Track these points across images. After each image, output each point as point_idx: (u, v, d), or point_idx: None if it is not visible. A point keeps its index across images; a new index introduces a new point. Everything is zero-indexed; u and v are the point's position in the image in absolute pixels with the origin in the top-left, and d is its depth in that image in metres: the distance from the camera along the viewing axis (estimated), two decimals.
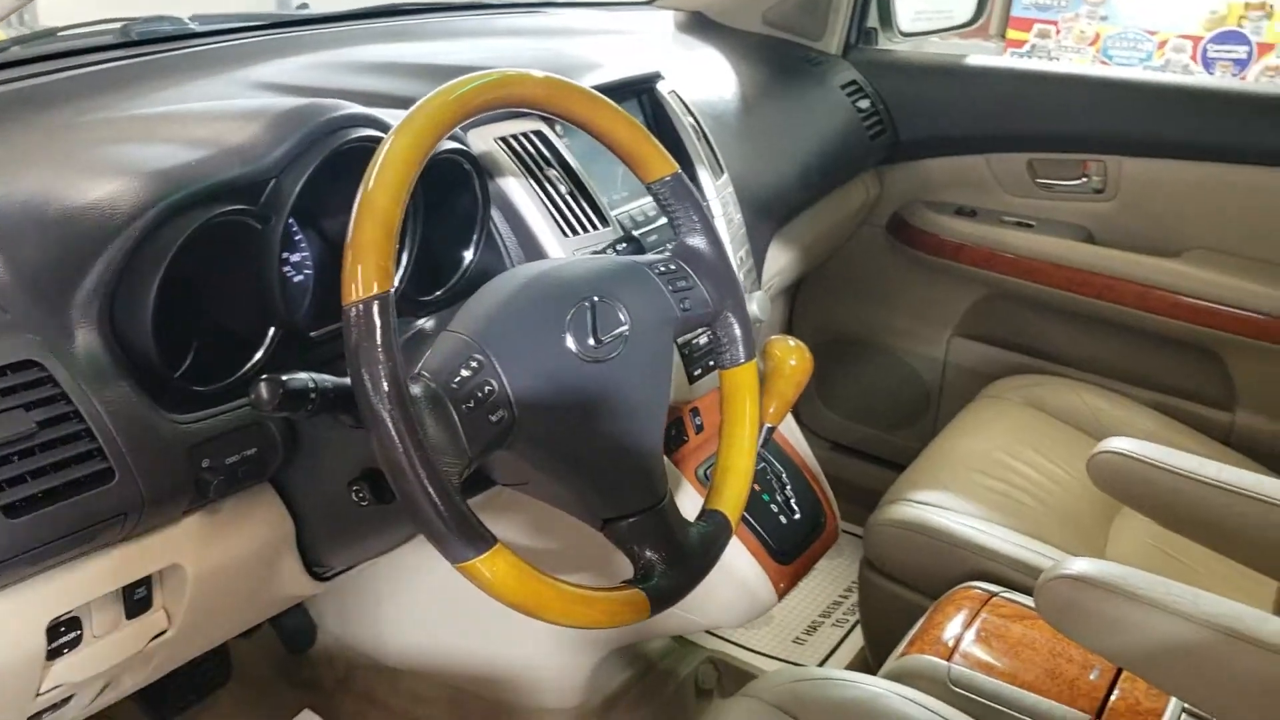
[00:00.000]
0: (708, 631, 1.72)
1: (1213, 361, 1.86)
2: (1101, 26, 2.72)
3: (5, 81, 1.07)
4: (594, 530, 0.92)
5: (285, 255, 1.01)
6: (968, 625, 1.25)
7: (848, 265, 2.23)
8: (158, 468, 0.82)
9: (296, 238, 1.02)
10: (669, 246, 1.03)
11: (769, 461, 1.34)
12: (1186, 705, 1.13)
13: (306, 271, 1.03)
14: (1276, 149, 1.77)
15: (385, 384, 0.74)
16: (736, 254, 1.40)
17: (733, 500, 0.98)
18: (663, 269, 0.99)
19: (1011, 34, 2.82)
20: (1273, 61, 2.54)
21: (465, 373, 0.83)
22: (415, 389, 0.80)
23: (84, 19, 1.24)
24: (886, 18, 2.17)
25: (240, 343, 0.92)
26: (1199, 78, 2.54)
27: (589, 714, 1.48)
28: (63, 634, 0.83)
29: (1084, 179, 1.96)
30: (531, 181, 1.13)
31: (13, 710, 0.83)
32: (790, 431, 1.41)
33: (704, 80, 1.69)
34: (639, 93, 1.39)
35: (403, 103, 0.87)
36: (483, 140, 1.11)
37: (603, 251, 1.15)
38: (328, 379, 0.77)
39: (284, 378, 0.74)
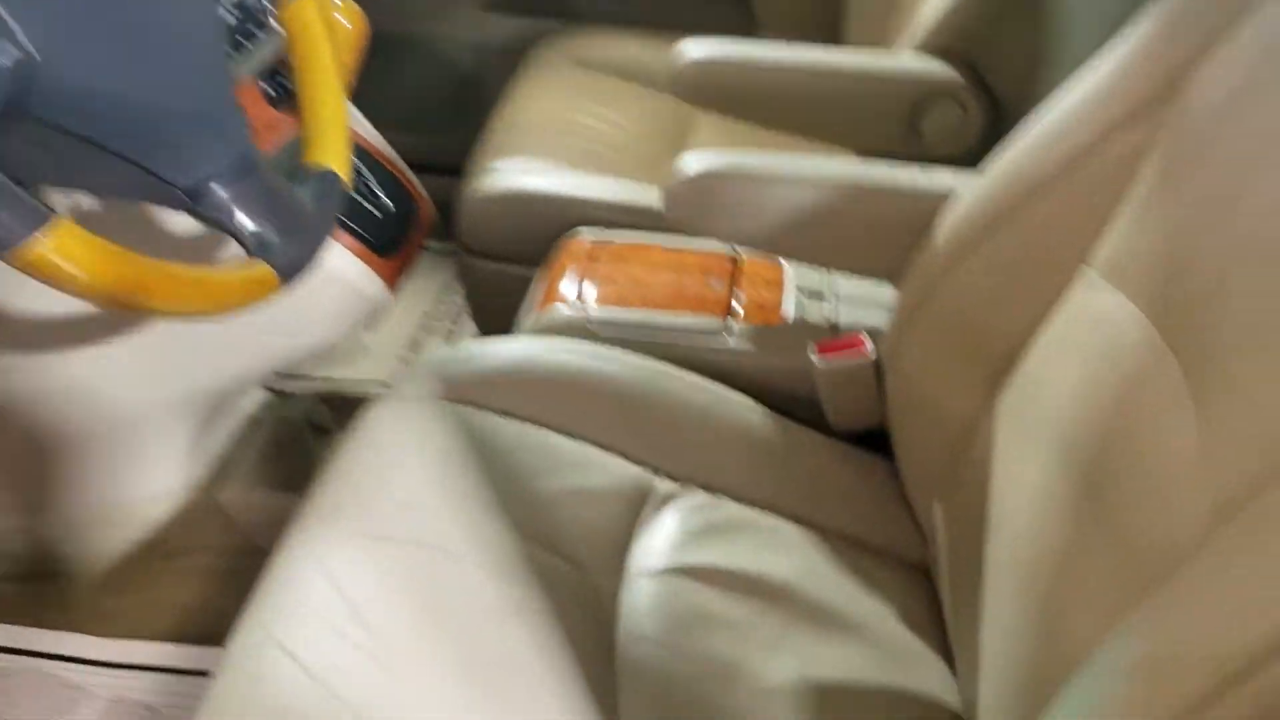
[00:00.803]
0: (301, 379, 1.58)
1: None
2: None
3: None
4: (181, 215, 0.74)
5: None
6: (587, 271, 1.22)
7: None
8: None
9: None
10: None
11: None
12: (800, 284, 1.20)
13: None
14: None
15: None
16: None
17: (336, 151, 0.84)
18: None
19: None
20: None
21: None
22: None
23: None
24: None
25: None
26: None
27: (205, 489, 1.32)
28: None
29: None
30: None
31: None
32: (354, 117, 1.25)
33: None
34: None
35: None
36: None
37: None
38: None
39: None
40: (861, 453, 1.08)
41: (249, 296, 0.72)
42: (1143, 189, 0.75)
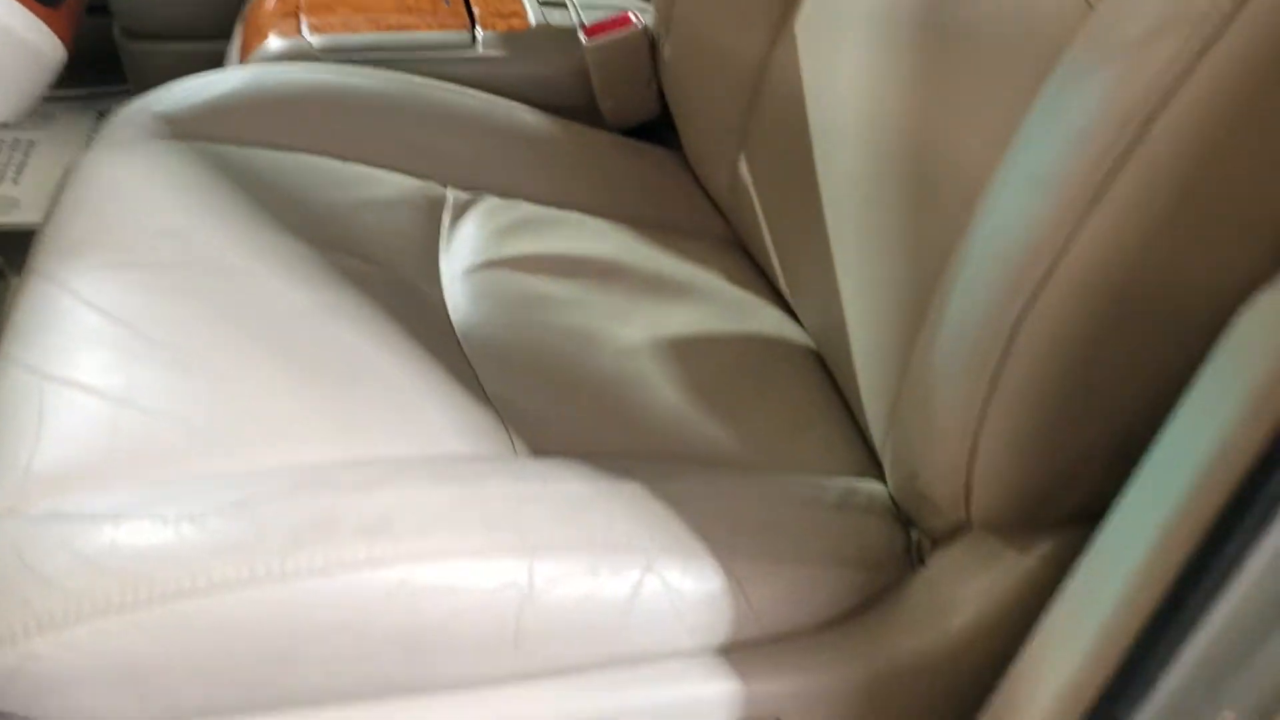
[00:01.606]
0: None
1: None
2: None
3: None
4: None
5: None
6: (292, 14, 1.06)
7: None
8: None
9: None
10: None
11: None
12: None
13: None
14: None
15: None
16: None
17: None
18: None
19: None
20: None
21: None
22: None
23: None
24: None
25: None
26: None
27: None
28: None
29: None
30: None
31: None
32: None
33: None
34: None
35: None
36: None
37: None
38: None
39: None
40: (646, 145, 1.03)
41: None
42: None
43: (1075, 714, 0.52)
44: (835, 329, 0.75)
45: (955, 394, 0.54)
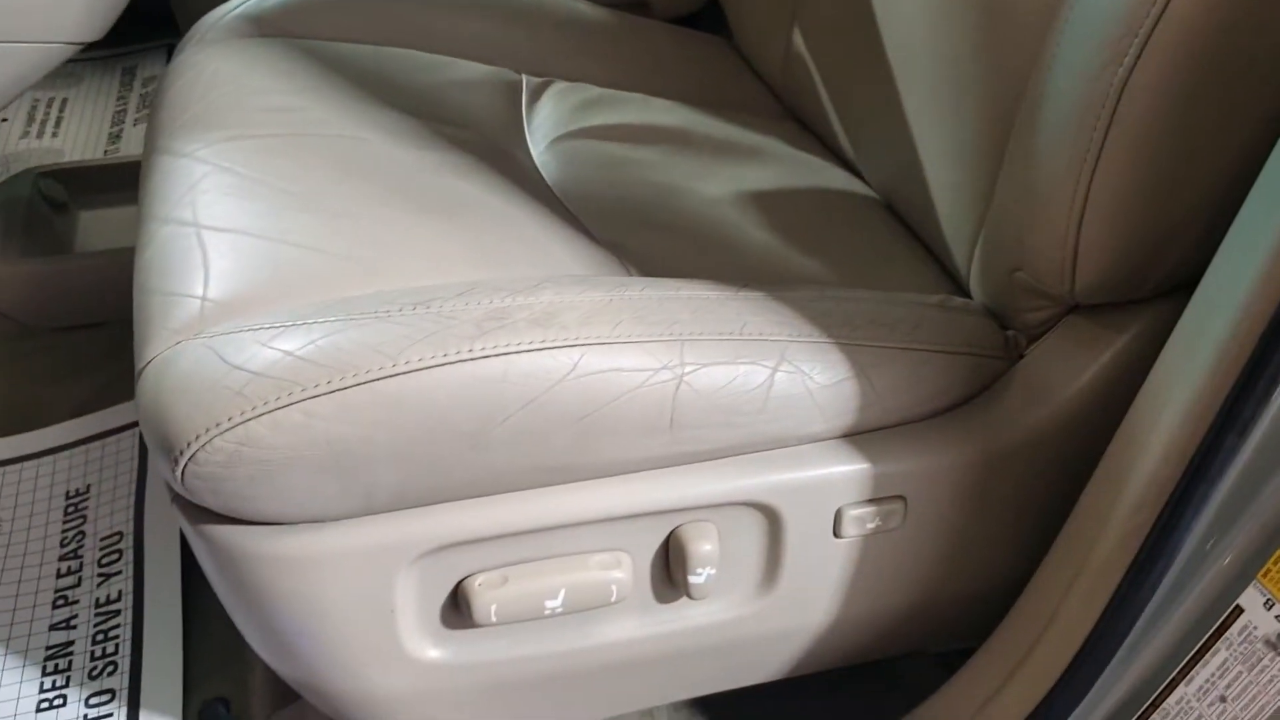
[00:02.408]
0: None
1: None
2: None
3: None
4: None
5: None
6: None
7: None
8: None
9: None
10: None
11: None
12: None
13: None
14: None
15: None
16: None
17: None
18: None
19: None
20: None
21: None
22: None
23: None
24: None
25: None
26: None
27: None
28: None
29: None
30: None
31: None
32: None
33: None
34: None
35: None
36: None
37: None
38: None
39: None
40: (694, 32, 1.08)
41: None
42: None
43: (1173, 479, 0.58)
44: (908, 174, 0.80)
45: (1061, 166, 0.59)
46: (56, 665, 0.85)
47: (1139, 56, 0.55)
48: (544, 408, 0.56)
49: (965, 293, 0.74)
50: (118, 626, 0.87)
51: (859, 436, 0.65)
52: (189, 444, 0.54)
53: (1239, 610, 0.57)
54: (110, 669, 0.84)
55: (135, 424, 1.03)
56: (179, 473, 0.55)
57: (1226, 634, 0.57)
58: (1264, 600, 0.55)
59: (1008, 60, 0.67)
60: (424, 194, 0.72)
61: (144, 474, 0.99)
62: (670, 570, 0.65)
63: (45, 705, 0.82)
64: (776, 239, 0.79)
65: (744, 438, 0.63)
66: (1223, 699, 0.58)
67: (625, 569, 0.63)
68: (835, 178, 0.91)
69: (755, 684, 0.75)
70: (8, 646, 0.86)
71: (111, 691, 0.83)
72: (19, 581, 0.91)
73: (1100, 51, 0.56)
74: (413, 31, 0.93)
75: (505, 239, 0.70)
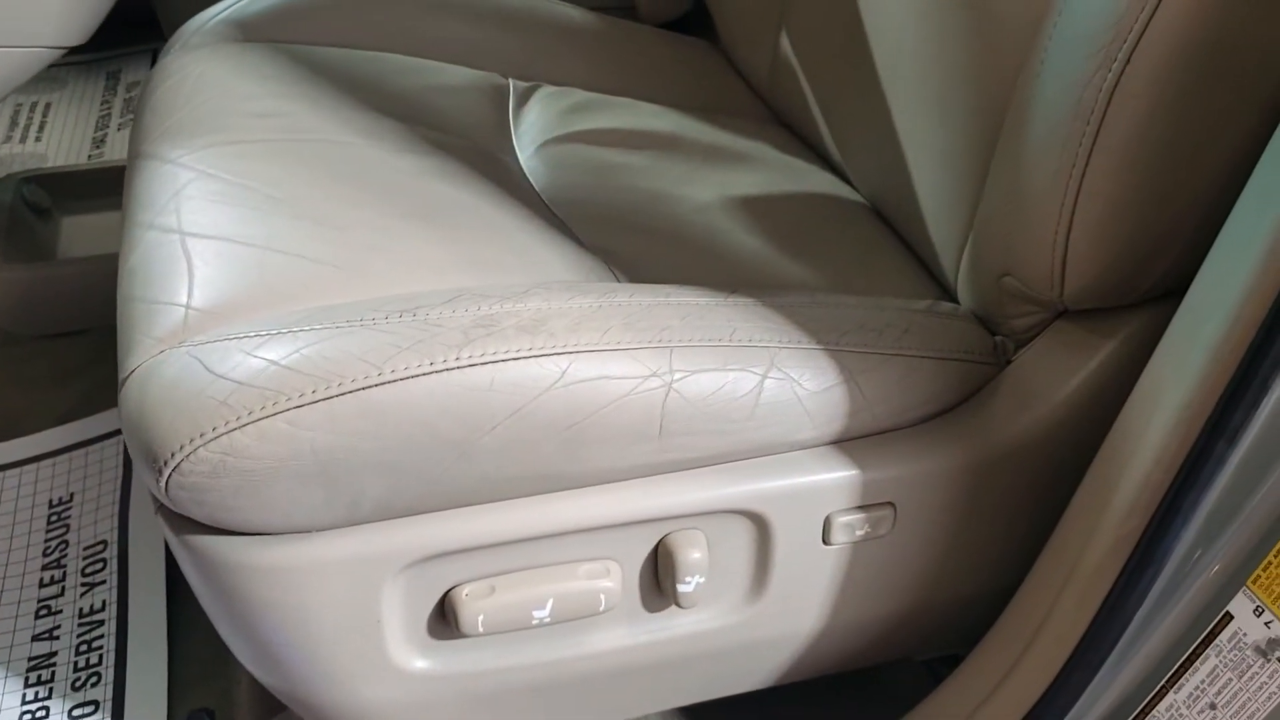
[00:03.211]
0: None
1: None
2: None
3: None
4: None
5: None
6: None
7: None
8: None
9: None
10: None
11: None
12: None
13: None
14: None
15: None
16: None
17: None
18: None
19: None
20: None
21: None
22: None
23: None
24: None
25: None
26: None
27: None
28: None
29: None
30: None
31: None
32: None
33: None
34: None
35: None
36: None
37: None
38: None
39: None
40: (681, 35, 1.07)
41: None
42: None
43: (1163, 485, 0.58)
44: (895, 178, 0.80)
45: (1049, 172, 0.59)
46: (39, 676, 0.84)
47: (1127, 62, 0.55)
48: (531, 416, 0.56)
49: (953, 298, 0.74)
50: (101, 637, 0.86)
51: (848, 443, 0.65)
52: (173, 454, 0.53)
53: (1229, 617, 0.57)
54: (94, 680, 0.84)
55: (119, 432, 1.03)
56: (163, 483, 0.54)
57: (1216, 641, 0.57)
58: (1254, 607, 0.55)
59: (995, 65, 0.67)
60: (411, 199, 0.71)
61: (128, 482, 0.98)
62: (659, 579, 0.65)
63: (28, 717, 0.81)
64: (765, 244, 0.79)
65: (733, 444, 0.62)
66: (1213, 706, 0.58)
67: (614, 578, 0.63)
68: (823, 182, 0.90)
69: (744, 692, 0.74)
70: None
71: (95, 703, 0.82)
72: (1, 591, 0.90)
73: (1088, 58, 0.56)
74: (400, 36, 0.93)
75: (493, 245, 0.69)
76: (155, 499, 0.58)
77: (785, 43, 0.96)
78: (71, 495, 0.97)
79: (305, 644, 0.60)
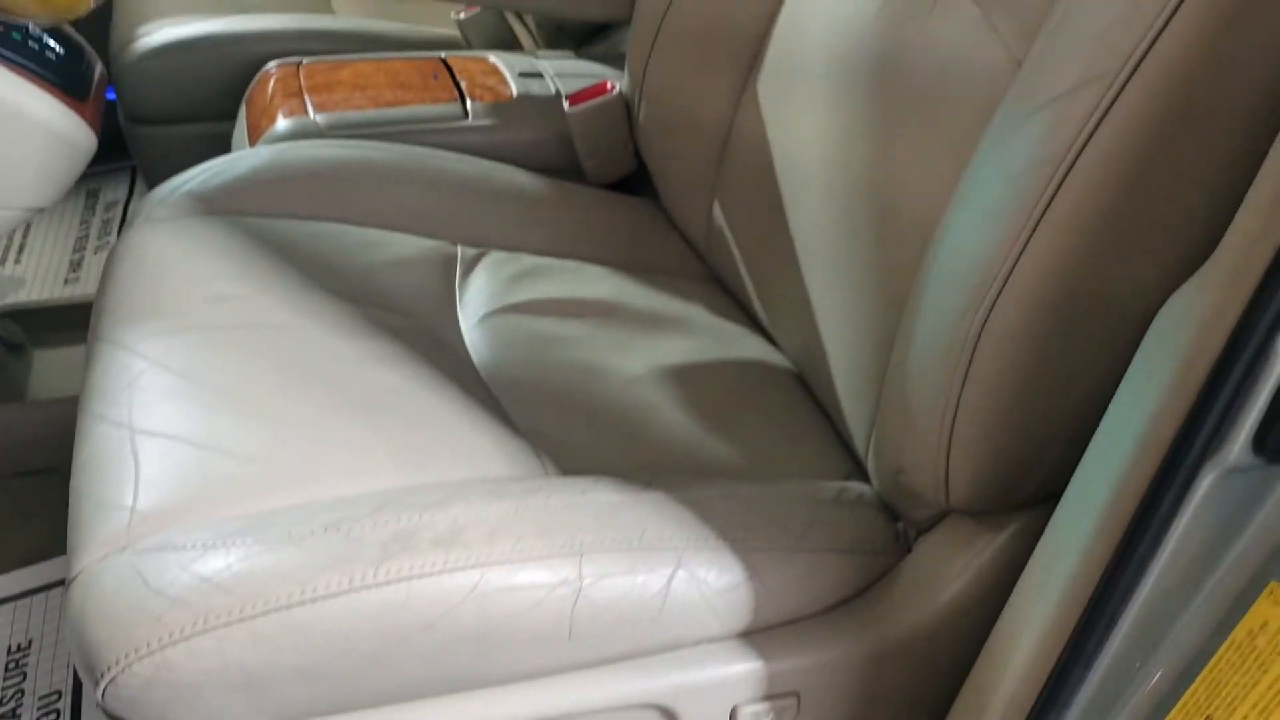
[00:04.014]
0: None
1: None
2: None
3: None
4: None
5: None
6: (296, 94, 1.15)
7: None
8: None
9: None
10: None
11: None
12: (516, 70, 1.21)
13: None
14: None
15: None
16: None
17: None
18: None
19: None
20: None
21: None
22: None
23: None
24: None
25: None
26: None
27: None
28: None
29: None
30: None
31: None
32: None
33: None
34: None
35: None
36: None
37: None
38: None
39: None
40: (625, 196, 1.13)
41: None
42: None
43: (1044, 671, 0.62)
44: (814, 352, 0.85)
45: (930, 397, 0.64)
46: None
47: (993, 305, 0.60)
48: (445, 629, 0.60)
49: (864, 475, 0.79)
50: None
51: (754, 634, 0.69)
52: (109, 668, 0.57)
53: None
54: None
55: None
56: (100, 692, 0.58)
57: None
58: None
59: (898, 256, 0.72)
60: (354, 389, 0.76)
61: None
62: None
63: None
64: (688, 423, 0.83)
65: (641, 642, 0.66)
66: None
67: None
68: (753, 347, 0.95)
69: None
70: None
71: None
72: None
73: (961, 294, 0.61)
74: (357, 208, 0.98)
75: (428, 437, 0.74)
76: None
77: (718, 212, 1.01)
78: (30, 641, 1.00)
79: None
